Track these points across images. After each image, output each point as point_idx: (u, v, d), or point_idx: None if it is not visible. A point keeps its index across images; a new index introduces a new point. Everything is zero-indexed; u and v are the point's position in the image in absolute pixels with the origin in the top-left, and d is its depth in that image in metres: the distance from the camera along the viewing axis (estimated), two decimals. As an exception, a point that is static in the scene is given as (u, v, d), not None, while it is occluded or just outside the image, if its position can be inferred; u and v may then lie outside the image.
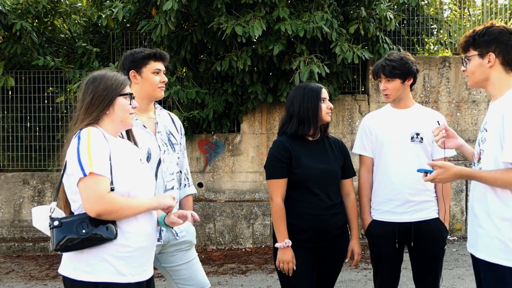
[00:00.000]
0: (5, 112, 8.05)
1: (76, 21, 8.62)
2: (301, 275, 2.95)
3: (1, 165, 8.02)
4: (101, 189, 2.11)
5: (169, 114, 3.15)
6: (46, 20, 8.31)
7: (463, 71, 2.56)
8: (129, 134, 2.49)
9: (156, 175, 2.86)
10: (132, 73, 2.89)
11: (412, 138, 3.09)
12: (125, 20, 7.75)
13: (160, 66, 2.93)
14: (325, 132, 3.12)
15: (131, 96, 2.34)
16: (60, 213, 2.22)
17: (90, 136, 2.16)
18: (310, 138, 3.04)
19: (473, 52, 2.47)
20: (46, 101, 8.10)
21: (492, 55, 2.42)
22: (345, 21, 7.26)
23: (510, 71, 2.44)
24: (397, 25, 7.67)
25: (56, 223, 2.15)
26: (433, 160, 3.02)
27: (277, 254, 2.97)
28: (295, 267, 2.93)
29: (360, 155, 3.26)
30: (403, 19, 8.12)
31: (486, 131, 2.43)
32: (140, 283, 2.27)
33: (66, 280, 2.23)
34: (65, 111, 8.10)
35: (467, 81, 2.58)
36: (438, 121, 2.84)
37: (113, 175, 2.17)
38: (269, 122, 7.70)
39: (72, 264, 2.20)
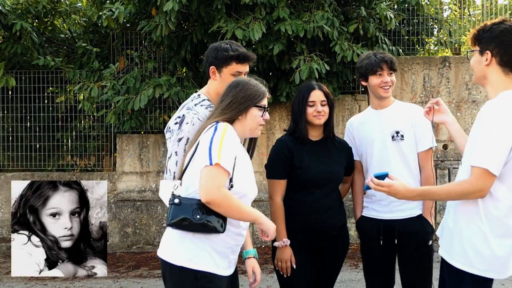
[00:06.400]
0: (5, 112, 8.05)
1: (76, 21, 8.61)
2: (300, 275, 2.96)
3: (1, 165, 8.02)
4: (220, 180, 2.20)
5: None
6: (46, 20, 8.30)
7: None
8: (251, 143, 2.67)
9: None
10: (212, 69, 2.83)
11: (393, 137, 3.10)
12: (125, 20, 7.74)
13: (241, 68, 2.83)
14: (330, 132, 3.08)
15: (265, 109, 2.47)
16: (182, 191, 2.32)
17: (226, 131, 2.29)
18: (313, 139, 3.04)
19: (476, 48, 2.40)
20: (46, 101, 8.10)
21: (488, 54, 2.33)
22: (345, 20, 7.26)
23: (510, 73, 2.32)
24: (397, 25, 7.67)
25: (176, 200, 2.27)
26: (418, 153, 3.09)
27: (275, 253, 2.99)
28: (294, 266, 2.93)
29: None
30: (403, 19, 8.12)
31: None
32: (229, 276, 2.41)
33: (165, 264, 2.33)
34: (64, 111, 8.11)
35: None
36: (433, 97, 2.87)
37: (234, 174, 2.28)
38: (269, 122, 7.68)
39: (174, 250, 2.31)
